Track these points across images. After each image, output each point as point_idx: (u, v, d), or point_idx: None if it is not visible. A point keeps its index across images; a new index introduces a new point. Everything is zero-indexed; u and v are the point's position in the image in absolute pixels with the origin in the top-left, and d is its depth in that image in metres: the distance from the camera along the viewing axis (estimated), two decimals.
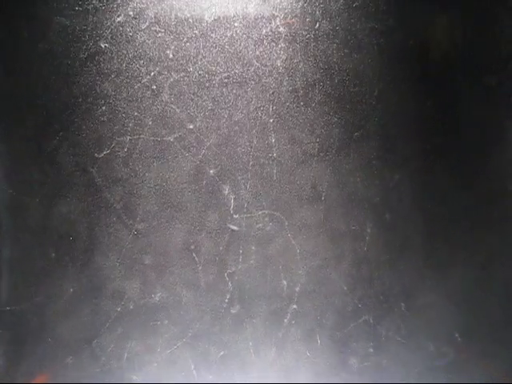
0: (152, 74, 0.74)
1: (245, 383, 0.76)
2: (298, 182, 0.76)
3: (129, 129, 0.74)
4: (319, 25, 0.75)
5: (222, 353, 0.76)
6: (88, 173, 0.75)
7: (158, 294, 0.76)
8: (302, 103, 0.76)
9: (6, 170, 0.75)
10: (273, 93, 0.75)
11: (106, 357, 0.76)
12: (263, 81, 0.75)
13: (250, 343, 0.77)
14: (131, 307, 0.76)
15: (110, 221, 0.75)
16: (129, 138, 0.75)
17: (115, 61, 0.74)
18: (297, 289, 0.77)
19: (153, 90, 0.74)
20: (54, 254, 0.75)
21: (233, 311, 0.76)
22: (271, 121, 0.76)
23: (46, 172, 0.74)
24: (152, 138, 0.75)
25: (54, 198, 0.75)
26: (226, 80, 0.75)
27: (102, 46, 0.74)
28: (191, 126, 0.75)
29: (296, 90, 0.75)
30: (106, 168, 0.75)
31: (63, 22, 0.73)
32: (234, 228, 0.76)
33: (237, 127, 0.75)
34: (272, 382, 0.77)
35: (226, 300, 0.76)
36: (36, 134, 0.74)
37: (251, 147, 0.76)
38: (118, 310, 0.76)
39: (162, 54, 0.74)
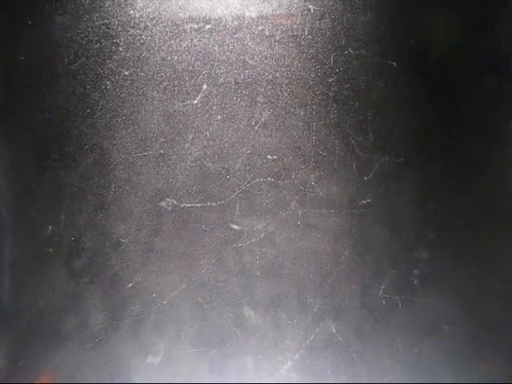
0: (151, 72, 0.74)
1: (245, 383, 0.76)
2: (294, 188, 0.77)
3: (130, 131, 0.75)
4: (319, 24, 0.75)
5: None
6: (90, 175, 0.75)
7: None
8: (300, 103, 0.76)
9: (6, 170, 0.75)
10: (272, 93, 0.75)
11: (106, 356, 0.76)
12: (262, 81, 0.75)
13: None
14: (133, 304, 0.76)
15: (110, 220, 0.75)
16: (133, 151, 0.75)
17: (116, 61, 0.74)
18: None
19: (152, 91, 0.74)
20: (54, 254, 0.75)
21: None
22: (271, 120, 0.76)
23: (47, 172, 0.75)
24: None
25: (54, 199, 0.75)
26: (225, 80, 0.75)
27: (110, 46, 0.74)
28: (189, 124, 0.75)
29: (295, 89, 0.76)
30: (108, 170, 0.75)
31: (65, 22, 0.73)
32: (235, 227, 0.76)
33: (236, 127, 0.75)
34: (273, 382, 0.77)
35: None
36: (36, 134, 0.75)
37: (249, 147, 0.76)
38: (120, 308, 0.76)
39: (161, 54, 0.74)
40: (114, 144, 0.75)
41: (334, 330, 0.77)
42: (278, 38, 0.75)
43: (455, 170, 0.79)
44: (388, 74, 0.76)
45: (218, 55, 0.74)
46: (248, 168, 0.76)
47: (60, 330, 0.75)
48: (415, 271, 0.78)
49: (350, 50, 0.76)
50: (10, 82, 0.75)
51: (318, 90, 0.76)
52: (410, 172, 0.78)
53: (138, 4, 0.74)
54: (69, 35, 0.73)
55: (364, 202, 0.77)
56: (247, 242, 0.76)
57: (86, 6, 0.73)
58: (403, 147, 0.77)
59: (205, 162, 0.76)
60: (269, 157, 0.76)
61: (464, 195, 0.79)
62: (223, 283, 0.76)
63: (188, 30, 0.74)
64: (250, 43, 0.75)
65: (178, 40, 0.74)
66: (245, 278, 0.76)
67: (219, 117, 0.75)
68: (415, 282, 0.78)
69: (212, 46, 0.74)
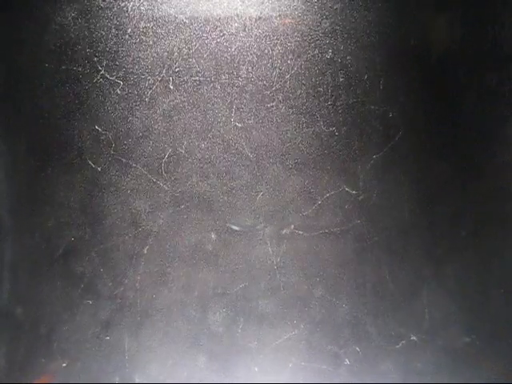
0: (151, 74, 0.74)
1: (245, 383, 0.77)
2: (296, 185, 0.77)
3: (134, 130, 0.75)
4: (319, 24, 0.75)
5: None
6: (90, 175, 0.75)
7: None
8: (302, 103, 0.76)
9: (7, 172, 0.75)
10: (273, 93, 0.75)
11: (106, 356, 0.76)
12: (263, 82, 0.75)
13: None
14: (132, 305, 0.76)
15: (111, 219, 0.75)
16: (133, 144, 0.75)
17: (117, 61, 0.74)
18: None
19: (152, 90, 0.74)
20: (54, 254, 0.75)
21: None
22: (272, 121, 0.76)
23: (48, 175, 0.75)
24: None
25: (54, 199, 0.75)
26: (225, 81, 0.75)
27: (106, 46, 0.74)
28: (189, 126, 0.75)
29: (297, 89, 0.76)
30: (109, 170, 0.75)
31: (63, 23, 0.73)
32: (235, 228, 0.76)
33: (238, 127, 0.75)
34: (271, 383, 0.77)
35: None
36: (37, 136, 0.75)
37: (251, 147, 0.76)
38: (119, 309, 0.76)
39: (162, 55, 0.74)
40: (115, 148, 0.75)
41: (334, 335, 0.77)
42: (279, 38, 0.75)
43: (455, 170, 0.79)
44: (388, 75, 0.76)
45: (221, 57, 0.75)
46: (249, 171, 0.76)
47: (59, 331, 0.75)
48: (415, 271, 0.78)
49: (349, 50, 0.76)
50: (10, 82, 0.75)
51: (319, 94, 0.76)
52: (409, 173, 0.78)
53: (135, 5, 0.74)
54: (69, 38, 0.74)
55: (362, 204, 0.77)
56: (246, 244, 0.77)
57: (89, 8, 0.74)
58: (402, 148, 0.77)
59: (209, 163, 0.76)
60: (270, 160, 0.76)
61: (464, 195, 0.79)
62: (220, 285, 0.77)
63: (192, 32, 0.74)
64: (251, 44, 0.75)
65: (177, 41, 0.74)
66: (241, 281, 0.77)
67: (223, 118, 0.75)
68: (415, 282, 0.78)
69: (214, 47, 0.74)
